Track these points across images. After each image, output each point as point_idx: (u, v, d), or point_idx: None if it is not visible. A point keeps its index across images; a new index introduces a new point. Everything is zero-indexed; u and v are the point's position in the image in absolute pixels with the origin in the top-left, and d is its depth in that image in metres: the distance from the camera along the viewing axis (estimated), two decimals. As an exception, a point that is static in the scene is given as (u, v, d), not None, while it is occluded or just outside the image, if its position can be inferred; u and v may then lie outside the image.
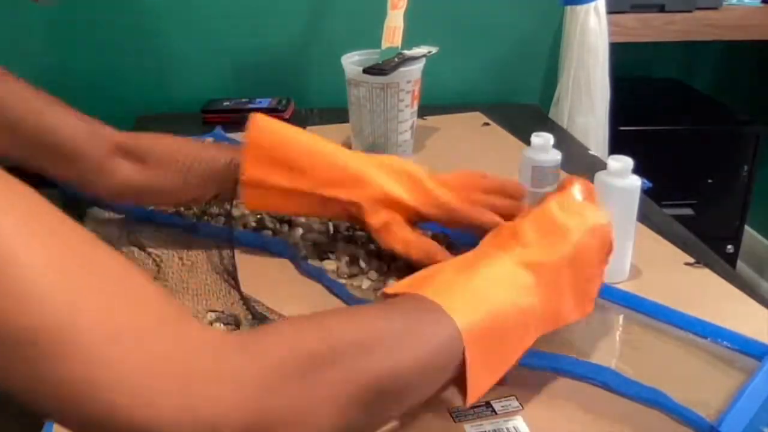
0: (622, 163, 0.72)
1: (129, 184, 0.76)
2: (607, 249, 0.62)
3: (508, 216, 0.69)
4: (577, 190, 0.64)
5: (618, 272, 0.75)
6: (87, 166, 0.75)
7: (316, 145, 0.74)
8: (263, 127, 0.74)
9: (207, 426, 0.35)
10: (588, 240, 0.59)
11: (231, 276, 0.74)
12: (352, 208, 0.72)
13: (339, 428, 0.41)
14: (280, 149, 0.73)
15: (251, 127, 0.73)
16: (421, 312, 0.49)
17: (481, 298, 0.51)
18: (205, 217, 0.83)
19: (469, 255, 0.58)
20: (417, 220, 0.73)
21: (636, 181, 0.72)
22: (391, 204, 0.71)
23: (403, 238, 0.71)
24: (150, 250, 0.79)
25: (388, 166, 0.73)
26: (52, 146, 0.73)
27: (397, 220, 0.72)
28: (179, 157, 0.76)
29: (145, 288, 0.38)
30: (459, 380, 0.49)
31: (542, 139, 0.78)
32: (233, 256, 0.76)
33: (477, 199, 0.72)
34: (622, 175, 0.72)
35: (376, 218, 0.71)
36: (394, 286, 0.55)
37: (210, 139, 0.79)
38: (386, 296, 0.54)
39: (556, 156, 0.79)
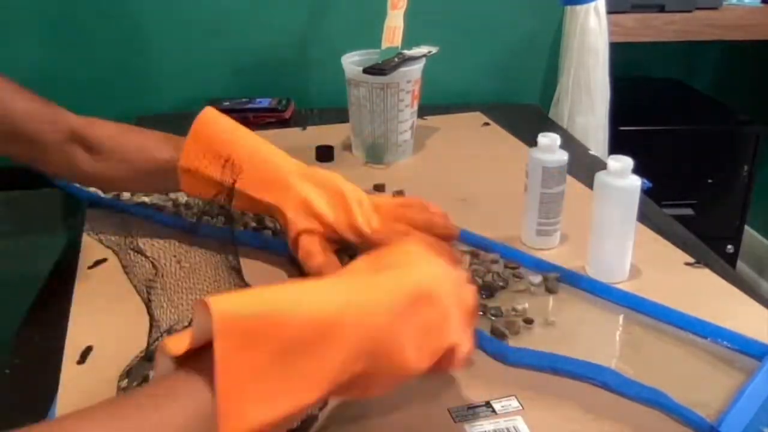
0: (622, 163, 0.72)
1: (80, 170, 0.79)
2: (467, 311, 0.51)
3: None
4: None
5: (618, 272, 0.75)
6: (42, 148, 0.76)
7: (255, 146, 0.76)
8: (209, 120, 0.76)
9: None
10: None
11: (238, 275, 0.73)
12: (274, 213, 0.75)
13: None
14: (218, 143, 0.75)
15: (198, 119, 0.76)
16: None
17: (260, 297, 0.42)
18: (205, 218, 0.83)
19: None
20: (335, 239, 0.73)
21: (636, 181, 0.72)
22: (312, 218, 0.73)
23: (308, 250, 0.72)
24: (148, 252, 0.79)
25: (320, 181, 0.74)
26: (9, 128, 0.74)
27: (314, 234, 0.72)
28: (126, 147, 0.78)
29: None
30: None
31: (549, 139, 0.78)
32: (237, 255, 0.75)
33: (400, 231, 0.71)
34: (622, 175, 0.72)
35: (293, 227, 0.73)
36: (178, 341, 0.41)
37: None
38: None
39: (563, 156, 0.79)
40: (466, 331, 0.50)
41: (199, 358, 0.40)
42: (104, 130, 0.79)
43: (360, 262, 0.51)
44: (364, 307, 0.44)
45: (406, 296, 0.46)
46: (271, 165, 0.75)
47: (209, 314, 0.39)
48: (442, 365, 0.49)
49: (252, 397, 0.39)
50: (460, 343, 0.49)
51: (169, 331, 0.63)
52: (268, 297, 0.42)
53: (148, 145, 0.79)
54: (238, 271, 0.72)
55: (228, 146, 0.75)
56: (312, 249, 0.72)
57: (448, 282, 0.50)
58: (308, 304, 0.42)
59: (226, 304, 0.39)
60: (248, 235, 0.81)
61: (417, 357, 0.46)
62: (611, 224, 0.73)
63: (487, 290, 0.72)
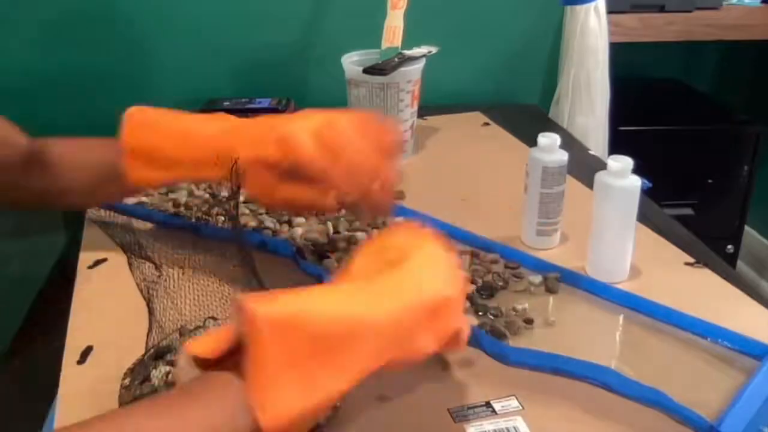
0: (622, 163, 0.72)
1: (34, 191, 0.75)
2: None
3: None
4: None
5: (618, 272, 0.75)
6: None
7: (186, 129, 0.72)
8: (136, 124, 0.72)
9: None
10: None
11: (252, 271, 0.73)
12: (227, 182, 0.69)
13: None
14: (153, 148, 0.71)
15: (125, 128, 0.72)
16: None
17: (296, 298, 0.45)
18: (206, 218, 0.83)
19: None
20: (287, 169, 0.67)
21: (636, 181, 0.72)
22: (259, 167, 0.67)
23: (268, 192, 0.69)
24: (150, 254, 0.79)
25: (255, 127, 0.70)
26: None
27: (267, 179, 0.68)
28: (70, 161, 0.75)
29: None
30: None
31: (549, 139, 0.78)
32: (251, 257, 0.75)
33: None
34: (622, 175, 0.72)
35: (247, 186, 0.68)
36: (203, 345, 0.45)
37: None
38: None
39: (563, 156, 0.79)
40: (463, 313, 0.54)
41: (231, 359, 0.43)
42: (50, 146, 0.75)
43: (367, 259, 0.53)
44: (386, 309, 0.47)
45: (420, 294, 0.49)
46: (206, 142, 0.70)
47: (244, 314, 0.42)
48: (448, 347, 0.53)
49: (287, 387, 0.42)
50: (463, 327, 0.53)
51: (181, 333, 0.63)
52: (298, 298, 0.45)
53: (87, 152, 0.76)
54: (252, 268, 0.71)
55: (162, 145, 0.71)
56: (271, 186, 0.68)
57: (451, 272, 0.53)
58: (336, 303, 0.46)
59: (260, 304, 0.42)
60: (248, 235, 0.81)
61: (430, 345, 0.50)
62: (611, 224, 0.73)
63: (487, 290, 0.72)
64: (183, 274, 0.75)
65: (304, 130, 0.66)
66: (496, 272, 0.75)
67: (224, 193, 0.83)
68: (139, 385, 0.58)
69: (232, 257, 0.76)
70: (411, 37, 1.07)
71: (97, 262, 0.79)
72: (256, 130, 0.69)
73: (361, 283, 0.51)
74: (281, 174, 0.67)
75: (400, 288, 0.49)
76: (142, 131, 0.72)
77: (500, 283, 0.73)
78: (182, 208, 0.89)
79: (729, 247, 1.71)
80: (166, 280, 0.74)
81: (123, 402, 0.57)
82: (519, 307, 0.69)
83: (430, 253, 0.53)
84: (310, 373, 0.43)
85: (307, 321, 0.43)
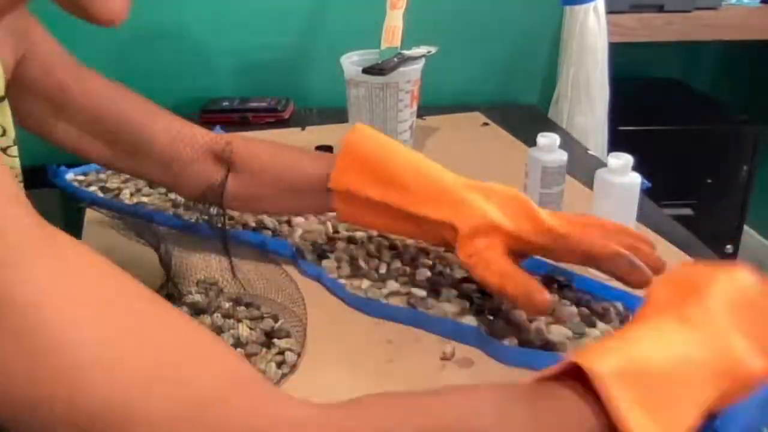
0: (623, 160, 0.72)
1: (217, 190, 0.74)
2: None
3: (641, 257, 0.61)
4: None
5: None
6: (177, 169, 0.74)
7: (416, 162, 0.69)
8: (362, 135, 0.70)
9: None
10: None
11: (223, 244, 0.74)
12: (445, 230, 0.65)
13: None
14: (375, 160, 0.68)
15: (349, 135, 0.69)
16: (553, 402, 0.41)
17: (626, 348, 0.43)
18: (204, 217, 0.83)
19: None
20: (519, 249, 0.64)
21: (636, 179, 0.73)
22: (490, 230, 0.63)
23: (499, 270, 0.62)
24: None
25: (493, 191, 0.66)
26: (144, 149, 0.73)
27: (494, 247, 0.63)
28: (270, 165, 0.73)
29: (217, 351, 0.37)
30: None
31: (549, 139, 0.79)
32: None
33: (594, 229, 0.64)
34: (623, 173, 0.72)
35: (469, 245, 0.63)
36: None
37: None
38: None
39: (563, 156, 0.79)
40: None
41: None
42: (241, 146, 0.74)
43: (669, 297, 0.49)
44: (715, 350, 0.45)
45: (740, 326, 0.47)
46: (436, 179, 0.67)
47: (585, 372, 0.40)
48: None
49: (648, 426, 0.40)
50: None
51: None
52: (629, 348, 0.43)
53: (299, 162, 0.73)
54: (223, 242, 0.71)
55: (386, 162, 0.68)
56: (505, 269, 0.62)
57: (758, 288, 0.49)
58: (664, 347, 0.44)
59: (596, 361, 0.41)
60: (248, 235, 0.81)
61: (755, 361, 0.47)
62: (612, 221, 0.73)
63: (486, 290, 0.72)
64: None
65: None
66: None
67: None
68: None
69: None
70: (410, 37, 1.07)
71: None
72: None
73: (681, 324, 0.46)
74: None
75: (722, 325, 0.46)
76: (365, 144, 0.69)
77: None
78: (181, 208, 0.89)
79: (728, 247, 1.71)
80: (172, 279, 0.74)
81: None
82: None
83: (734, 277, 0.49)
84: (661, 415, 0.42)
85: (643, 370, 0.42)
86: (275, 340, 0.64)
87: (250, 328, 0.65)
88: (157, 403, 0.33)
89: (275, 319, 0.67)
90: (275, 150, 0.75)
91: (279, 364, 0.61)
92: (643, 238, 0.65)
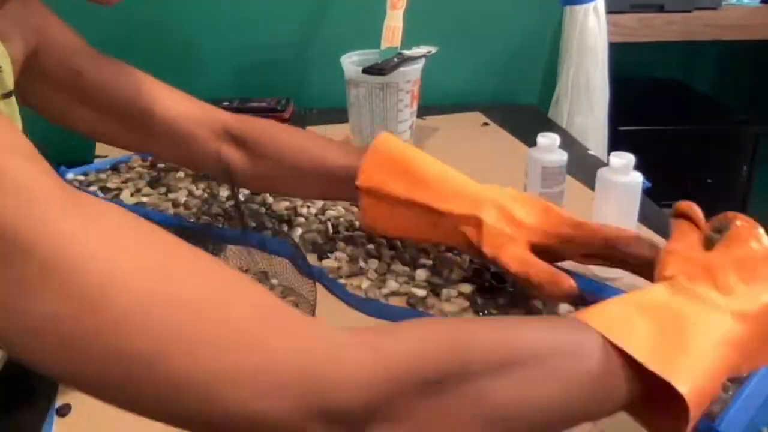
0: (625, 159, 0.72)
1: (235, 170, 0.77)
2: None
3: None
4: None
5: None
6: (196, 148, 0.76)
7: (440, 165, 0.71)
8: (390, 139, 0.72)
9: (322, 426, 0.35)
10: None
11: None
12: (469, 226, 0.67)
13: None
14: (401, 160, 0.70)
15: (377, 139, 0.72)
16: (581, 334, 0.43)
17: (694, 355, 0.45)
18: (205, 217, 0.83)
19: (655, 294, 0.49)
20: (541, 243, 0.66)
21: (638, 178, 0.73)
22: (513, 224, 0.65)
23: (523, 259, 0.64)
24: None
25: (512, 191, 0.69)
26: (158, 127, 0.75)
27: (517, 241, 0.65)
28: (290, 152, 0.75)
29: (255, 290, 0.38)
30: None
31: (548, 139, 0.79)
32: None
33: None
34: (625, 172, 0.72)
35: (494, 237, 0.65)
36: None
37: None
38: None
39: (563, 156, 0.79)
40: None
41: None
42: (259, 128, 0.76)
43: (731, 276, 0.51)
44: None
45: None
46: (459, 180, 0.70)
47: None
48: None
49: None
50: None
51: None
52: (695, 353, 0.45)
53: (318, 149, 0.75)
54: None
55: (411, 162, 0.70)
56: (527, 258, 0.64)
57: None
58: (725, 353, 0.46)
59: (687, 382, 0.43)
60: (248, 235, 0.81)
61: None
62: (613, 220, 0.74)
63: (486, 290, 0.72)
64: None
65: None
66: (495, 272, 0.74)
67: (225, 194, 0.83)
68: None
69: (232, 258, 0.76)
70: (410, 37, 1.07)
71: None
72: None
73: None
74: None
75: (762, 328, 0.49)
76: (396, 146, 0.72)
77: (500, 283, 0.73)
78: (182, 208, 0.89)
79: (728, 247, 1.71)
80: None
81: None
82: (521, 306, 0.69)
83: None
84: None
85: (710, 385, 0.44)
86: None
87: None
88: (201, 331, 0.34)
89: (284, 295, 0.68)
90: (294, 138, 0.77)
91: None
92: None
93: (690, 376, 0.43)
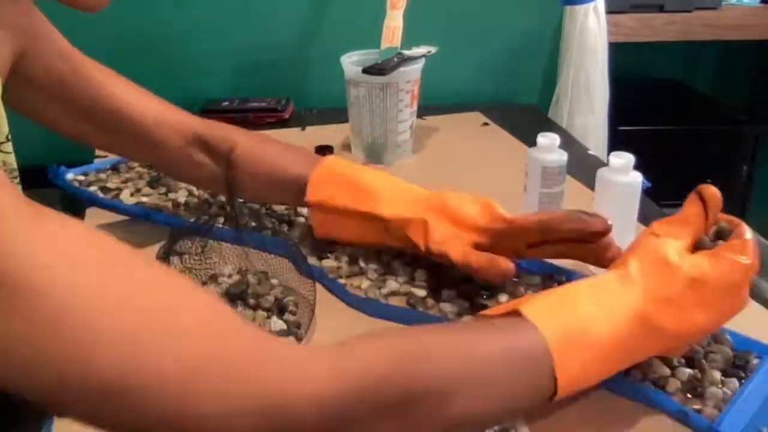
0: (625, 159, 0.72)
1: (202, 175, 0.80)
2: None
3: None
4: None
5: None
6: (165, 152, 0.78)
7: (382, 175, 0.76)
8: (335, 158, 0.78)
9: None
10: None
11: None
12: (416, 229, 0.70)
13: None
14: (346, 173, 0.75)
15: (321, 160, 0.77)
16: (518, 343, 0.47)
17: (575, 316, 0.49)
18: (204, 217, 0.83)
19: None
20: (482, 239, 0.69)
21: (638, 178, 0.73)
22: (455, 223, 0.69)
23: (464, 251, 0.68)
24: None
25: (454, 193, 0.72)
26: (131, 131, 0.76)
27: (460, 237, 0.69)
28: (251, 158, 0.78)
29: (213, 308, 0.39)
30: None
31: (549, 139, 0.79)
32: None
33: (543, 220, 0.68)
34: (624, 172, 0.72)
35: (438, 235, 0.69)
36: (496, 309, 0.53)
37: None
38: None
39: (563, 156, 0.79)
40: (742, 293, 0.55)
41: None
42: (227, 135, 0.79)
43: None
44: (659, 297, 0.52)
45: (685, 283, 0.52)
46: (402, 186, 0.74)
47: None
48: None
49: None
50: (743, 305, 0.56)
51: None
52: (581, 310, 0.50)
53: (274, 155, 0.79)
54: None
55: (356, 175, 0.75)
56: (468, 249, 0.68)
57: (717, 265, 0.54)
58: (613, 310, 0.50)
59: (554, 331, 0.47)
60: (248, 235, 0.81)
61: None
62: (613, 220, 0.74)
63: (486, 290, 0.72)
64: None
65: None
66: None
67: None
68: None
69: (232, 258, 0.76)
70: (410, 37, 1.07)
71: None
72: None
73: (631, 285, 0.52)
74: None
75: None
76: (341, 163, 0.77)
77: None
78: (181, 208, 0.89)
79: (728, 247, 1.71)
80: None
81: None
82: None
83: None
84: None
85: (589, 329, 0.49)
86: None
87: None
88: (165, 362, 0.35)
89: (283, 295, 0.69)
90: (255, 143, 0.80)
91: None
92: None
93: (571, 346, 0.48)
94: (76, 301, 0.33)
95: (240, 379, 0.36)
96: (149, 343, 0.34)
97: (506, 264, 0.65)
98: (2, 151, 0.62)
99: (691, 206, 0.58)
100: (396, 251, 0.78)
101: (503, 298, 0.70)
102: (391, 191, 0.73)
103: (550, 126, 1.28)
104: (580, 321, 0.49)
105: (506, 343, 0.47)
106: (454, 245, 0.68)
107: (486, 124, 1.24)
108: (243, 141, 0.79)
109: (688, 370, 0.59)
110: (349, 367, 0.39)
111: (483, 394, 0.44)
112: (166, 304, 0.36)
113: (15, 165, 0.64)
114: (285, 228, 0.84)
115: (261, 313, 0.68)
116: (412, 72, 1.02)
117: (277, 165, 0.78)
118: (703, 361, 0.60)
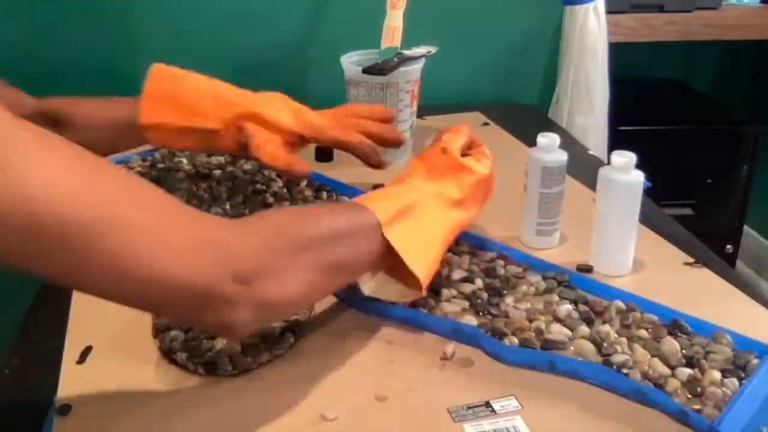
0: (626, 158, 0.72)
1: None
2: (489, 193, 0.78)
3: (379, 138, 0.86)
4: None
5: (621, 265, 0.76)
6: None
7: (209, 87, 0.86)
8: (161, 75, 0.86)
9: (209, 278, 0.50)
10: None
11: None
12: (237, 134, 0.84)
13: (304, 292, 0.57)
14: (173, 95, 0.84)
15: (149, 77, 0.84)
16: (359, 216, 0.64)
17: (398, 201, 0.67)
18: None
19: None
20: (292, 140, 0.84)
21: (639, 176, 0.73)
22: (269, 127, 0.83)
23: (272, 153, 0.82)
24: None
25: (271, 97, 0.87)
26: None
27: (274, 140, 0.83)
28: (88, 115, 0.85)
29: (159, 196, 0.51)
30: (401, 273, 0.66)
31: (548, 139, 0.79)
32: None
33: (349, 123, 0.87)
34: (626, 170, 0.72)
35: (256, 140, 0.82)
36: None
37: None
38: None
39: (563, 156, 0.79)
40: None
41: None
42: (64, 104, 0.84)
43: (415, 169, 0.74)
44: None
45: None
46: (224, 93, 0.86)
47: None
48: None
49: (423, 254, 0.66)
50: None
51: None
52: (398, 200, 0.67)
53: (103, 106, 0.87)
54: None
55: (181, 94, 0.84)
56: (276, 152, 0.82)
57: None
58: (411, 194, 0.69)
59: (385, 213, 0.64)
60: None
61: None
62: (615, 218, 0.74)
63: (486, 290, 0.72)
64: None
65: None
66: (495, 272, 0.75)
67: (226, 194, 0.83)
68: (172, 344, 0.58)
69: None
70: (410, 37, 1.07)
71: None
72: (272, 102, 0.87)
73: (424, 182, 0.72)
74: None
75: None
76: (166, 80, 0.85)
77: (499, 283, 0.73)
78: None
79: (728, 247, 1.71)
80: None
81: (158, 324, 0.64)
82: (521, 306, 0.69)
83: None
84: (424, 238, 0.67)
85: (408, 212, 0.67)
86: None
87: None
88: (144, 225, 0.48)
89: None
90: (86, 103, 0.87)
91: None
92: (385, 115, 0.91)
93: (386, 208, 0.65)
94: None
95: (203, 242, 0.50)
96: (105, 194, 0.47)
97: (303, 167, 0.82)
98: None
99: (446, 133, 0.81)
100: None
101: (509, 299, 0.70)
102: (214, 101, 0.84)
103: (550, 126, 1.28)
104: (403, 205, 0.66)
105: (353, 217, 0.63)
106: (268, 148, 0.82)
107: (486, 124, 1.24)
108: (79, 106, 0.85)
109: (688, 370, 0.59)
110: (264, 229, 0.56)
111: (344, 251, 0.61)
112: (122, 191, 0.48)
113: None
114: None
115: None
116: (412, 72, 1.02)
117: (113, 116, 0.85)
118: (703, 361, 0.60)
